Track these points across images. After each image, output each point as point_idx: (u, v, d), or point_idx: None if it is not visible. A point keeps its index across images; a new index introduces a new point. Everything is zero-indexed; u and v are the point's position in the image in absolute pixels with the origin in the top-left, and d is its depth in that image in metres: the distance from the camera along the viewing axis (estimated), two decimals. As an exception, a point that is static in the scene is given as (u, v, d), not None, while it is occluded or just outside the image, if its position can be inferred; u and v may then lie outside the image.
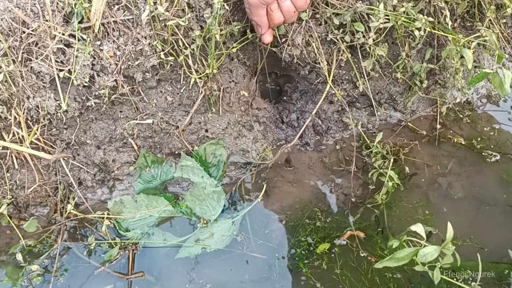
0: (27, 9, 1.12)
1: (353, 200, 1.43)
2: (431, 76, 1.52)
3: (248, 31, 1.30)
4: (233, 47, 1.28)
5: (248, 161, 1.48)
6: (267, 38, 1.24)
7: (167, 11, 1.16)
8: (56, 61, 1.16)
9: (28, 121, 1.23)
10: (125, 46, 1.19)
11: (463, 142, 1.54)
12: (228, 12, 1.26)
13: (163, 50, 1.22)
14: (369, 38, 1.28)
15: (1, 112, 1.18)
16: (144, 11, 1.14)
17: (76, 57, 1.15)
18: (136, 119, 1.34)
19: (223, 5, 1.12)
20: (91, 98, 1.24)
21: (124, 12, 1.18)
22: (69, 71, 1.17)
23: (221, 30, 1.21)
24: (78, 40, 1.15)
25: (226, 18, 1.27)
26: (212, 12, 1.16)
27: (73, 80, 1.16)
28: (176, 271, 1.29)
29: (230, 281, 1.28)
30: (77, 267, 1.29)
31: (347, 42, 1.33)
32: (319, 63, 1.38)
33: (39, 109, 1.21)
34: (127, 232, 1.33)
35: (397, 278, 1.25)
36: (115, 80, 1.23)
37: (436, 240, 1.30)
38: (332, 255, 1.31)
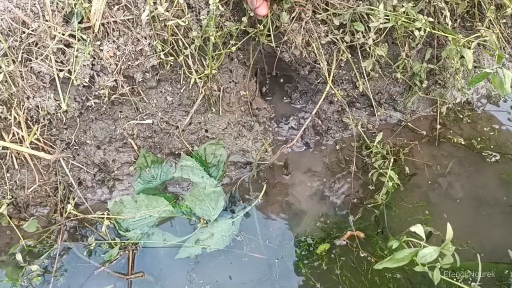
0: (27, 9, 1.12)
1: (353, 200, 1.43)
2: (431, 76, 1.51)
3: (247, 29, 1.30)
4: (232, 45, 1.28)
5: (248, 161, 1.48)
6: (262, 10, 1.19)
7: (167, 11, 1.16)
8: (56, 61, 1.16)
9: (28, 121, 1.23)
10: (125, 46, 1.19)
11: (463, 142, 1.54)
12: (228, 12, 1.26)
13: (163, 50, 1.22)
14: (369, 38, 1.28)
15: (1, 112, 1.18)
16: (144, 11, 1.14)
17: (76, 57, 1.15)
18: (136, 119, 1.34)
19: (218, 6, 1.11)
20: (91, 98, 1.24)
21: (124, 12, 1.18)
22: (69, 71, 1.17)
23: (217, 31, 1.21)
24: (78, 40, 1.15)
25: (226, 18, 1.26)
26: (208, 13, 1.16)
27: (73, 80, 1.16)
28: (176, 271, 1.29)
29: (230, 281, 1.28)
30: (77, 267, 1.29)
31: (347, 42, 1.33)
32: (319, 63, 1.38)
33: (39, 109, 1.20)
34: (127, 232, 1.33)
35: (397, 278, 1.25)
36: (115, 80, 1.23)
37: (436, 241, 1.30)
38: (332, 256, 1.31)
